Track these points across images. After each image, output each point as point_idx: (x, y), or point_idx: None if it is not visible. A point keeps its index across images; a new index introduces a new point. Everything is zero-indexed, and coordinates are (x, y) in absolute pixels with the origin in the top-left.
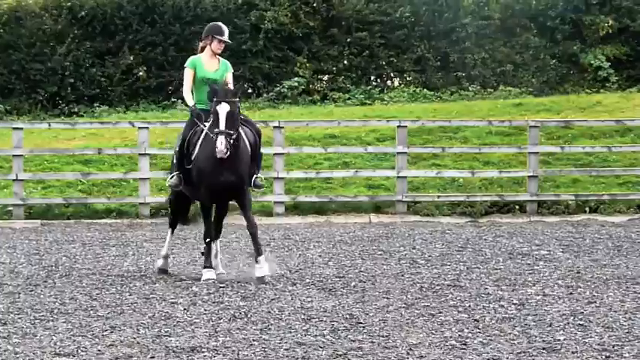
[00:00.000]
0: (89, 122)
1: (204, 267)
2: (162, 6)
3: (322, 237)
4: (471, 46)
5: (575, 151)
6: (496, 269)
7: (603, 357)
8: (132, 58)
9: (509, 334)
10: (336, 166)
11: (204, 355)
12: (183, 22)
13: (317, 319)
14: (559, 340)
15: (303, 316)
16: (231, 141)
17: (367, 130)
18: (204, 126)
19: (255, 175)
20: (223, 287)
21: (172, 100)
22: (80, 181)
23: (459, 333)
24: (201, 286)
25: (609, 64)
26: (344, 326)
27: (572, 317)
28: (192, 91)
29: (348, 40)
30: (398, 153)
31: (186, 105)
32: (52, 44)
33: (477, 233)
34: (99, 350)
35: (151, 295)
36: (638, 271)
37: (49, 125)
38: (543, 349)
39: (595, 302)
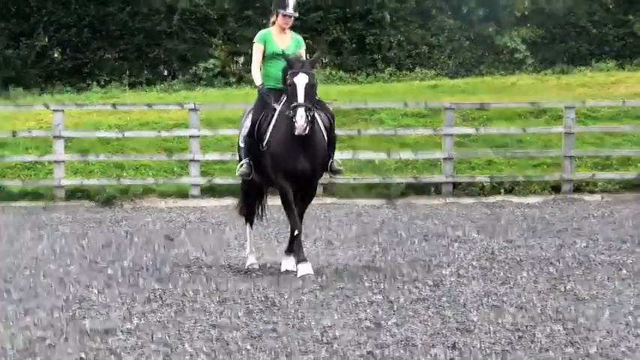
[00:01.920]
0: (3, 105)
1: (299, 261)
2: None
3: (238, 219)
4: (387, 28)
5: (490, 133)
6: (411, 251)
7: (516, 337)
8: (47, 39)
9: (424, 315)
10: None
11: (119, 338)
12: (98, 3)
13: (232, 302)
14: (473, 320)
15: (217, 299)
16: (310, 117)
17: None
18: (276, 106)
19: (331, 160)
20: (138, 270)
21: (88, 82)
22: None
23: (374, 314)
24: (115, 269)
25: (525, 46)
26: (259, 308)
27: (485, 298)
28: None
29: (264, 22)
30: None
31: (255, 85)
32: None
33: (392, 215)
34: (12, 333)
35: (65, 278)
36: (552, 251)
37: None
38: (457, 329)
39: (509, 283)
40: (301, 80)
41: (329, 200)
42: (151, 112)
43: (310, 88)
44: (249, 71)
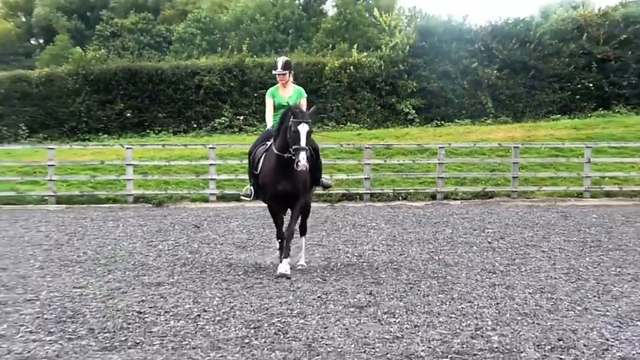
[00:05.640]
0: (94, 145)
1: (280, 259)
2: (142, 71)
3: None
4: (330, 98)
5: (393, 163)
6: (345, 234)
7: (409, 287)
8: (122, 105)
9: (352, 273)
10: None
11: (165, 287)
12: (154, 83)
13: (236, 266)
14: (382, 277)
15: (226, 264)
16: (308, 157)
17: None
18: (274, 143)
19: (320, 178)
20: (178, 246)
21: (147, 131)
22: (90, 180)
23: (322, 275)
24: (164, 245)
25: (415, 110)
26: (252, 270)
27: (390, 264)
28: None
29: (255, 94)
30: None
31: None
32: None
33: (333, 213)
34: (100, 285)
35: (132, 251)
36: (430, 235)
37: (71, 146)
38: (372, 282)
39: (404, 254)
40: (304, 129)
41: None
42: (186, 149)
43: (309, 135)
44: (249, 124)
